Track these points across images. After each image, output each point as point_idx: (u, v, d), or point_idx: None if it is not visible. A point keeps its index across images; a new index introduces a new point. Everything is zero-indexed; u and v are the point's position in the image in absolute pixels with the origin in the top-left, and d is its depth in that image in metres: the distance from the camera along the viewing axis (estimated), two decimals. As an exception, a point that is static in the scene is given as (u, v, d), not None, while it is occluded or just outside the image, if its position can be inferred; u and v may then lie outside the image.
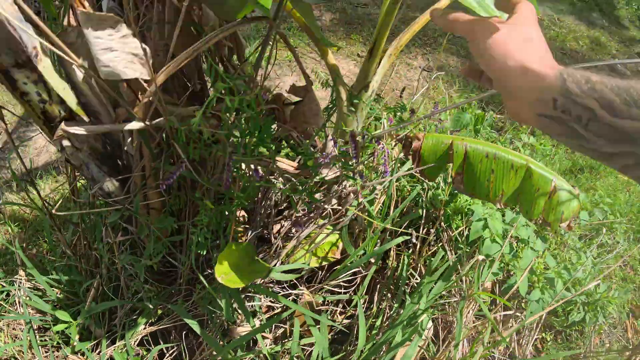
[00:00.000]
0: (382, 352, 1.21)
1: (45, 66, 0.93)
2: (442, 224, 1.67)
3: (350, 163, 1.03)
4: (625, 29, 6.15)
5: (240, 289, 1.21)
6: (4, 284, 1.73)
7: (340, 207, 1.21)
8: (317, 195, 1.21)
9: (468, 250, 1.69)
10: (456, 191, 1.63)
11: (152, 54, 0.94)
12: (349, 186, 1.22)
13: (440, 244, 1.66)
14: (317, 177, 1.05)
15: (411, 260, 1.61)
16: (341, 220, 1.21)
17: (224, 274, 0.99)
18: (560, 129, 0.52)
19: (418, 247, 1.60)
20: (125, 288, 1.47)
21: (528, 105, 0.54)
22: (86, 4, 0.89)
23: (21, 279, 1.76)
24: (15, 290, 1.71)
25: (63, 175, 3.03)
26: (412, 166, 1.23)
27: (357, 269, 1.36)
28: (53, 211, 1.51)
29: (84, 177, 1.15)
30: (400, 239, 1.21)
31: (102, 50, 0.82)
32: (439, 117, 1.74)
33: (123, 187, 1.17)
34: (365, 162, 1.09)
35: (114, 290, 1.51)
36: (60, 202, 2.26)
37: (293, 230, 1.27)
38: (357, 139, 1.03)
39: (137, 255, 1.37)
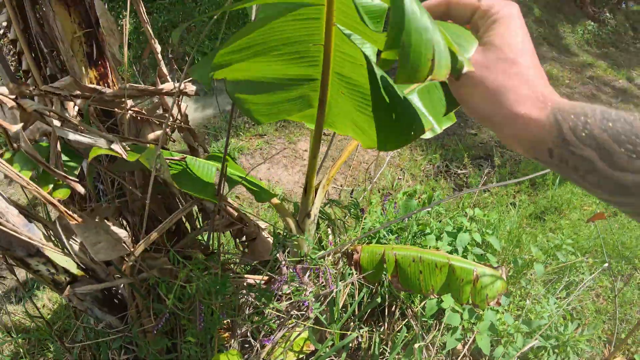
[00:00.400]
0: None
1: (49, 251, 1.20)
2: (405, 302, 1.91)
3: (298, 286, 1.29)
4: (575, 56, 6.59)
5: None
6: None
7: (304, 313, 1.46)
8: (285, 305, 1.46)
9: (431, 322, 1.93)
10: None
11: (131, 223, 1.22)
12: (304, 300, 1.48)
13: (406, 319, 1.90)
14: (280, 292, 1.30)
15: (381, 337, 1.84)
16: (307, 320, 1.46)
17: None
18: (560, 172, 0.50)
19: (386, 324, 1.84)
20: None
21: (524, 150, 0.52)
22: (74, 217, 1.14)
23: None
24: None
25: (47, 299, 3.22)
26: (355, 274, 1.49)
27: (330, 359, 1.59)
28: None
29: (90, 317, 1.40)
30: (353, 335, 1.45)
31: (91, 244, 1.08)
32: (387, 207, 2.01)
33: (122, 319, 1.42)
34: (313, 280, 1.35)
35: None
36: (63, 316, 2.47)
37: (270, 337, 1.51)
38: (297, 266, 1.30)
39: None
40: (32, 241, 1.06)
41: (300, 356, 1.59)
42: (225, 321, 1.60)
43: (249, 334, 1.50)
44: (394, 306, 1.91)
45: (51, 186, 1.02)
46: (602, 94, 5.73)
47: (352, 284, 1.59)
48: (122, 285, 1.35)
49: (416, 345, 1.73)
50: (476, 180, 3.60)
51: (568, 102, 0.48)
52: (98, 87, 1.27)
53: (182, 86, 1.34)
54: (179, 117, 1.47)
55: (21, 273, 3.39)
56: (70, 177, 1.01)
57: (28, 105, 0.94)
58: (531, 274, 2.66)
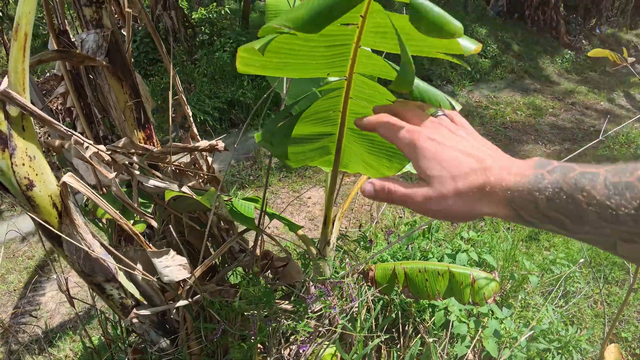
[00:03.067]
0: None
1: (122, 278, 1.49)
2: (417, 318, 2.21)
3: (326, 301, 1.60)
4: (557, 84, 7.13)
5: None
6: None
7: (331, 327, 1.75)
8: (313, 323, 1.76)
9: (442, 334, 2.22)
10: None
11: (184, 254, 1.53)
12: (333, 312, 1.78)
13: (419, 334, 2.19)
14: (310, 311, 1.60)
15: (399, 354, 2.12)
16: (334, 334, 1.75)
17: (259, 395, 1.50)
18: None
19: (402, 340, 2.13)
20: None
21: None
22: (150, 245, 1.45)
23: None
24: None
25: (78, 335, 3.43)
26: (372, 289, 1.80)
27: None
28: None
29: (143, 340, 1.68)
30: (376, 341, 1.74)
31: (163, 268, 1.39)
32: (390, 246, 2.33)
33: (172, 342, 1.70)
34: (337, 296, 1.65)
35: None
36: None
37: (300, 351, 1.79)
38: (326, 283, 1.61)
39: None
40: (109, 262, 1.36)
41: (328, 369, 1.87)
42: (259, 346, 1.87)
43: (282, 351, 1.78)
44: (407, 325, 2.21)
45: (131, 222, 1.33)
46: (585, 117, 6.20)
47: (369, 300, 1.89)
48: (174, 311, 1.64)
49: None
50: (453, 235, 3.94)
51: (518, 191, 0.50)
52: (147, 146, 1.60)
53: (215, 143, 1.68)
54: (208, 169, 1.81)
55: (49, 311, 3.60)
56: (147, 214, 1.32)
57: (120, 159, 1.26)
58: (529, 288, 2.98)
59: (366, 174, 1.53)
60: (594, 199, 0.44)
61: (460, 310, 2.22)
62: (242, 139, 4.74)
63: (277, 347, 1.76)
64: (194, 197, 1.28)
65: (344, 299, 1.66)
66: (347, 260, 1.86)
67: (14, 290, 4.08)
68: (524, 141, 5.46)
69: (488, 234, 2.87)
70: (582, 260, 2.80)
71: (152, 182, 1.29)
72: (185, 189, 1.28)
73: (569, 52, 8.08)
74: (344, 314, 1.70)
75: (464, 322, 2.23)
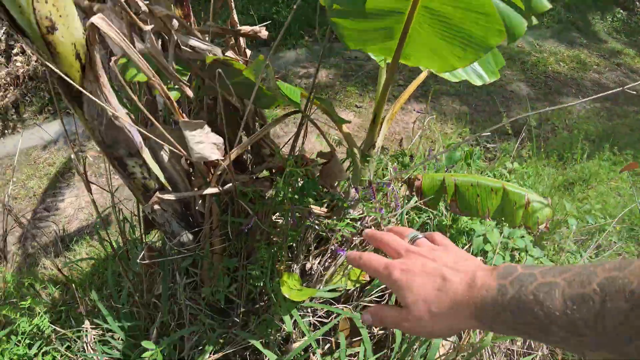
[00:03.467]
0: (415, 347, 1.57)
1: (146, 154, 1.34)
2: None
3: (370, 203, 1.43)
4: (604, 43, 6.69)
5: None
6: (72, 334, 2.08)
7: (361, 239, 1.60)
8: (346, 231, 1.61)
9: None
10: (455, 215, 2.02)
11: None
12: (370, 221, 1.62)
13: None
14: (347, 217, 1.44)
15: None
16: (367, 248, 1.60)
17: (287, 292, 1.37)
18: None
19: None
20: (188, 324, 1.83)
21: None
22: (184, 115, 1.29)
23: (87, 328, 2.11)
24: (83, 336, 2.05)
25: (96, 240, 3.39)
26: (417, 200, 1.63)
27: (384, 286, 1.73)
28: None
29: (163, 232, 1.54)
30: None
31: (196, 143, 1.22)
32: (434, 158, 2.15)
33: (195, 237, 1.56)
34: (381, 201, 1.48)
35: (178, 327, 1.87)
36: (101, 268, 2.62)
37: (329, 261, 1.65)
38: (373, 185, 1.44)
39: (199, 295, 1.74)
40: (135, 133, 1.19)
41: (357, 285, 1.74)
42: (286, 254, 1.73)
43: (310, 259, 1.64)
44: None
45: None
46: (629, 80, 5.83)
47: (411, 212, 1.73)
48: (200, 202, 1.49)
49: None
50: (501, 156, 3.74)
51: (484, 308, 0.53)
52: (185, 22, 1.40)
53: (257, 29, 1.47)
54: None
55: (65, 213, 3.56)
56: (183, 81, 1.14)
57: (158, 10, 1.07)
58: (563, 232, 2.80)
59: (430, 66, 1.32)
60: (553, 314, 0.46)
61: (497, 242, 2.05)
62: (273, 57, 4.51)
63: (305, 253, 1.62)
64: (240, 61, 1.09)
65: (388, 204, 1.50)
66: (390, 167, 1.69)
67: (34, 195, 4.06)
68: (564, 93, 5.15)
69: (532, 167, 2.67)
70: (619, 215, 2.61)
71: (193, 43, 1.10)
72: (229, 53, 1.09)
73: (621, 11, 7.54)
74: (387, 220, 1.54)
75: (500, 254, 2.07)
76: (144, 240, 1.91)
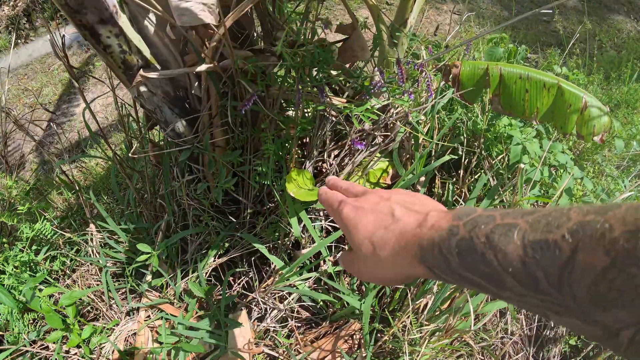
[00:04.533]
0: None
1: (123, 21, 1.07)
2: (483, 152, 1.78)
3: (397, 88, 1.15)
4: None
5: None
6: (76, 237, 1.94)
7: (389, 134, 1.34)
8: (367, 126, 1.34)
9: (509, 176, 1.80)
10: (495, 112, 1.73)
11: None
12: (395, 114, 1.34)
13: (482, 170, 1.77)
14: (368, 105, 1.17)
15: (455, 188, 1.73)
16: (390, 145, 1.34)
17: (294, 191, 1.14)
18: None
19: (461, 174, 1.72)
20: (193, 226, 1.64)
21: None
22: None
23: (92, 232, 1.96)
24: (88, 240, 1.91)
25: (111, 143, 3.25)
26: (453, 90, 1.34)
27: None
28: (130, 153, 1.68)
29: (156, 120, 1.30)
30: (446, 158, 1.33)
31: (180, 1, 0.95)
32: (473, 54, 1.82)
33: (191, 127, 1.33)
34: (410, 88, 1.21)
35: (182, 229, 1.69)
36: (114, 171, 2.45)
37: (346, 160, 1.40)
38: (402, 65, 1.15)
39: (203, 195, 1.54)
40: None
41: (375, 188, 1.50)
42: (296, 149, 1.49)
43: (325, 156, 1.40)
44: (470, 157, 1.79)
45: None
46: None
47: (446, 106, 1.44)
48: (195, 84, 1.24)
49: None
50: (545, 63, 3.34)
51: (430, 248, 0.44)
52: None
53: None
54: None
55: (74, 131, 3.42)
56: None
57: None
58: (605, 154, 2.50)
59: None
60: (507, 262, 0.36)
61: (537, 153, 1.77)
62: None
63: (320, 148, 1.37)
64: None
65: (416, 95, 1.22)
66: (424, 50, 1.39)
67: (49, 102, 3.92)
68: (615, 10, 4.59)
69: (583, 76, 2.32)
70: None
71: None
72: None
73: None
74: (415, 114, 1.27)
75: (538, 168, 1.79)
76: (146, 136, 1.68)
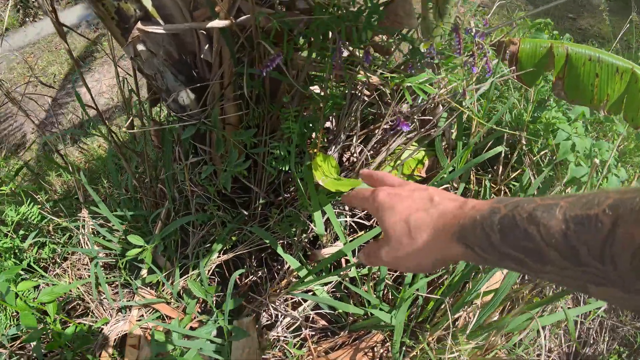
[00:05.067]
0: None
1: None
2: (524, 147, 1.54)
3: (452, 59, 0.92)
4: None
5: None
6: (67, 223, 1.72)
7: (431, 118, 1.11)
8: (405, 107, 1.11)
9: (551, 174, 1.57)
10: (541, 102, 1.49)
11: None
12: (446, 91, 1.11)
13: (522, 167, 1.54)
14: (425, 76, 0.94)
15: (492, 184, 1.50)
16: (433, 130, 1.11)
17: (322, 179, 0.91)
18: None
19: (499, 170, 1.49)
20: (196, 214, 1.41)
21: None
22: None
23: (84, 218, 1.73)
24: (80, 227, 1.69)
25: (115, 125, 3.06)
26: (509, 70, 1.11)
27: (447, 185, 1.26)
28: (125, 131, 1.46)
29: (156, 89, 1.08)
30: (499, 149, 1.10)
31: None
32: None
33: (199, 100, 1.10)
34: (470, 59, 0.98)
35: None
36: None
37: (377, 148, 1.18)
38: (459, 30, 0.92)
39: (209, 180, 1.31)
40: None
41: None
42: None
43: (355, 140, 1.16)
44: (511, 153, 1.55)
45: None
46: None
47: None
48: (205, 47, 1.01)
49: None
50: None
51: (471, 225, 0.42)
52: None
53: None
54: None
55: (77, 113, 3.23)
56: None
57: None
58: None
59: None
60: (550, 235, 0.36)
61: (586, 150, 1.53)
62: None
63: (348, 132, 1.14)
64: None
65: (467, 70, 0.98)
66: (477, 19, 1.15)
67: (54, 82, 3.73)
68: (642, 9, 4.33)
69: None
70: None
71: None
72: None
73: None
74: (471, 93, 1.04)
75: (584, 165, 1.56)
76: (145, 110, 1.45)
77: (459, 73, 0.94)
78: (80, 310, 1.64)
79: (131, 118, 1.31)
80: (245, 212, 1.33)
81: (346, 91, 1.02)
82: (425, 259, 0.47)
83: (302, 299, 1.27)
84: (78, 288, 1.60)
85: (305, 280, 1.12)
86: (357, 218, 1.25)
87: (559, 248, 0.35)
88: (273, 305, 1.27)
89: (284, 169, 1.10)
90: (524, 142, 1.51)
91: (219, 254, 1.39)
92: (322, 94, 0.97)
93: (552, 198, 0.38)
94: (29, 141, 3.28)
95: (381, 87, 1.05)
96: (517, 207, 0.39)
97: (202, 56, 1.03)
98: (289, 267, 1.32)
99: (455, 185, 1.34)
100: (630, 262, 0.31)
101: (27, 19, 4.36)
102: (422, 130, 1.12)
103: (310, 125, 1.05)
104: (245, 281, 1.44)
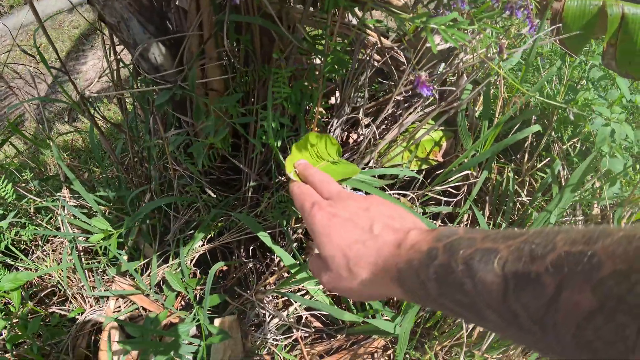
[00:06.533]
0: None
1: None
2: (553, 133, 1.31)
3: (485, 6, 0.70)
4: None
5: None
6: (47, 202, 1.52)
7: (452, 88, 0.88)
8: (423, 75, 0.88)
9: (579, 163, 1.34)
10: (579, 86, 1.26)
11: None
12: (463, 62, 0.89)
13: (550, 155, 1.32)
14: (454, 16, 0.71)
15: (515, 176, 1.28)
16: (453, 107, 0.88)
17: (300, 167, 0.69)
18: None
19: (525, 158, 1.27)
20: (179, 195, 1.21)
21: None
22: None
23: (65, 197, 1.53)
24: (58, 208, 1.49)
25: (114, 104, 2.88)
26: (549, 33, 0.88)
27: (468, 172, 1.04)
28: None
29: (121, 42, 0.86)
30: (535, 127, 0.88)
31: None
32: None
33: (174, 58, 0.88)
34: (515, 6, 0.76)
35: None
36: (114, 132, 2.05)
37: (387, 124, 0.96)
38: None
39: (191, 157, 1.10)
40: None
41: (423, 167, 1.05)
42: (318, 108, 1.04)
43: (361, 114, 0.94)
44: (538, 140, 1.33)
45: None
46: None
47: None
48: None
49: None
50: None
51: (408, 272, 0.36)
52: None
53: None
54: None
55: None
56: None
57: None
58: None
59: None
60: (488, 293, 0.29)
61: (628, 139, 1.30)
62: None
63: (353, 104, 0.92)
64: None
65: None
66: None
67: (56, 59, 3.55)
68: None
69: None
70: None
71: None
72: None
73: None
74: (510, 48, 0.81)
75: (620, 157, 1.33)
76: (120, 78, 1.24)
77: (494, 25, 0.72)
78: (57, 298, 1.45)
79: (104, 80, 1.09)
80: (232, 195, 1.11)
81: (352, 48, 0.80)
82: (369, 294, 0.43)
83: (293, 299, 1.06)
84: (59, 273, 1.41)
85: (297, 278, 0.91)
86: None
87: (497, 309, 0.29)
88: (260, 303, 1.06)
89: (276, 144, 0.89)
90: (553, 129, 1.28)
91: (203, 242, 1.18)
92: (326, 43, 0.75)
93: (493, 240, 0.30)
94: (27, 119, 3.12)
95: (395, 48, 0.83)
96: (455, 252, 0.32)
97: (176, 1, 0.81)
98: (280, 261, 1.11)
99: (475, 174, 1.12)
100: (573, 334, 0.24)
101: (32, -3, 4.20)
102: (443, 104, 0.90)
103: (309, 88, 0.83)
104: (233, 274, 1.23)
